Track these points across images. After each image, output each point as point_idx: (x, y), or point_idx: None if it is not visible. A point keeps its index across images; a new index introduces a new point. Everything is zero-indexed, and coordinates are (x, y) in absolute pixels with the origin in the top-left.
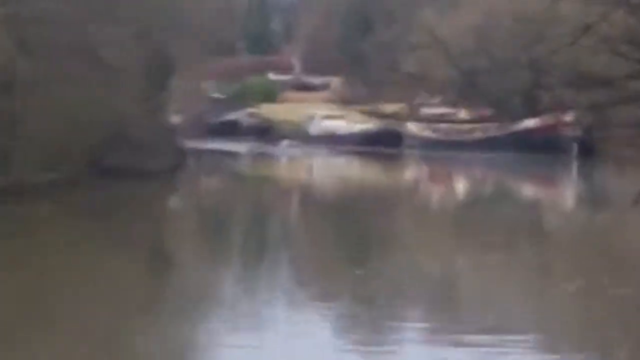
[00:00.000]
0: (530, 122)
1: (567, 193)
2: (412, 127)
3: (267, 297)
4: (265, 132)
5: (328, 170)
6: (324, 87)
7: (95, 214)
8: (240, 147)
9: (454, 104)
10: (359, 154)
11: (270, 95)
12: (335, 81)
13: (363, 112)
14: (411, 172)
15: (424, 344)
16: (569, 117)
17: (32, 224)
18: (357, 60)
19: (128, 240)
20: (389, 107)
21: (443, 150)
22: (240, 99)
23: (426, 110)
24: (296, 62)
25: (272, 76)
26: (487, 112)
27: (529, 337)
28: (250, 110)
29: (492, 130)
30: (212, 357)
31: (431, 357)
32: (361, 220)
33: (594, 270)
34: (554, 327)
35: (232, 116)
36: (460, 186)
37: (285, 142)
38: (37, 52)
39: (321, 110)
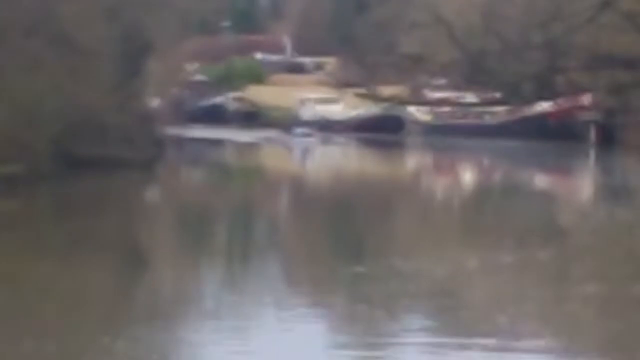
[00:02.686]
0: (543, 106)
1: (584, 186)
2: (413, 112)
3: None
4: (253, 117)
5: (321, 160)
6: (317, 68)
7: (64, 207)
8: (230, 134)
9: (459, 87)
10: (356, 140)
11: (257, 77)
12: (328, 62)
13: (359, 96)
14: (413, 162)
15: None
16: (586, 101)
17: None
18: (352, 39)
19: (89, 241)
20: (388, 90)
21: (448, 136)
22: (225, 82)
23: (429, 94)
24: (286, 42)
25: (259, 57)
26: (497, 95)
27: (541, 341)
28: (235, 94)
29: (502, 115)
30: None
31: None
32: (356, 212)
33: (615, 269)
34: (574, 330)
35: (216, 100)
36: (467, 178)
37: (299, 130)
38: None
39: (314, 93)
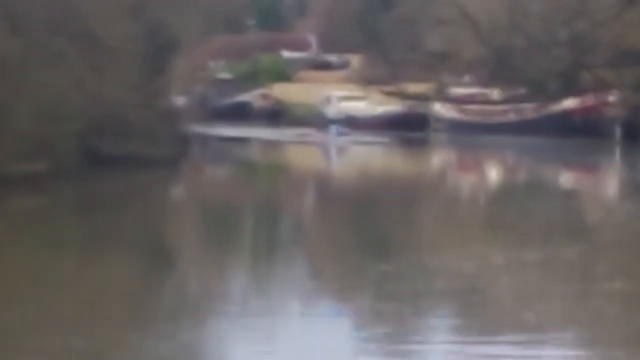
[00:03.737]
0: (569, 103)
1: (609, 182)
2: (439, 109)
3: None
4: (278, 115)
5: (348, 158)
6: (342, 65)
7: (88, 204)
8: (252, 132)
9: (485, 84)
10: (389, 138)
11: (283, 75)
12: (354, 59)
13: (385, 93)
14: (438, 158)
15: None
16: (612, 97)
17: (25, 217)
18: (377, 36)
19: (112, 238)
20: (414, 87)
21: (473, 133)
22: (250, 80)
23: (455, 91)
24: (312, 39)
25: (285, 54)
26: (522, 92)
27: (569, 336)
28: (261, 91)
29: (527, 112)
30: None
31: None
32: (382, 210)
33: (638, 267)
34: (601, 326)
35: (241, 98)
36: (493, 175)
37: (334, 128)
38: (23, 30)
39: (339, 91)
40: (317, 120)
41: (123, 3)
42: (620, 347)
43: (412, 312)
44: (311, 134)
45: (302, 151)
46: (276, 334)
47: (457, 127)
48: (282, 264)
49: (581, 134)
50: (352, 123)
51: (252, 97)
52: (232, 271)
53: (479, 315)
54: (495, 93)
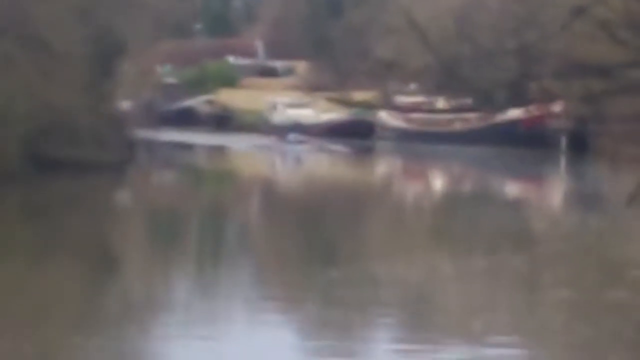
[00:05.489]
0: (514, 113)
1: (554, 192)
2: (385, 117)
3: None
4: (225, 121)
5: (290, 166)
6: (289, 72)
7: (35, 208)
8: (199, 138)
9: (431, 93)
10: (335, 146)
11: (230, 80)
12: (300, 66)
13: (331, 100)
14: (383, 167)
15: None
16: (557, 108)
17: None
18: (324, 44)
19: (56, 243)
20: (360, 95)
21: (419, 142)
22: (197, 85)
23: (400, 99)
24: (258, 45)
25: (232, 60)
26: (468, 102)
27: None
28: (208, 97)
29: (473, 121)
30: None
31: None
32: (327, 221)
33: (586, 275)
34: (546, 334)
35: (188, 103)
36: (437, 183)
37: (292, 136)
38: None
39: (285, 97)
40: (264, 127)
41: (71, 7)
42: (565, 356)
43: (358, 321)
44: (268, 141)
45: (254, 159)
46: (218, 338)
47: (402, 136)
48: (225, 268)
49: (526, 144)
50: (298, 130)
51: (198, 102)
52: (174, 277)
53: (423, 325)
54: (440, 102)
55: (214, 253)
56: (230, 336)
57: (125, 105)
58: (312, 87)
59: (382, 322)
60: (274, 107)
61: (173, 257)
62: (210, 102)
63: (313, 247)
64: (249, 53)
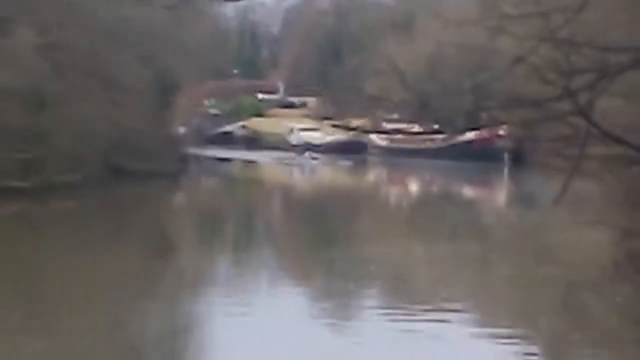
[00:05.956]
0: (470, 135)
1: (499, 194)
2: (374, 138)
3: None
4: (254, 141)
5: (304, 175)
6: (302, 105)
7: (112, 206)
8: (235, 154)
9: (409, 120)
10: (339, 161)
11: (258, 111)
12: (311, 100)
13: (334, 126)
14: (373, 175)
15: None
16: (502, 131)
17: (65, 216)
18: (329, 83)
19: (129, 232)
20: (355, 122)
21: (399, 157)
22: (234, 115)
23: (386, 125)
24: (280, 85)
25: (260, 96)
26: (436, 127)
27: (469, 309)
28: (241, 123)
29: (440, 141)
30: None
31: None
32: (331, 215)
33: (523, 256)
34: (493, 301)
35: (227, 128)
36: (413, 187)
37: (307, 153)
38: (64, 74)
39: (299, 124)
40: (284, 145)
41: (139, 54)
42: (507, 318)
43: (353, 290)
44: (287, 157)
45: (277, 169)
46: (250, 303)
47: (387, 152)
48: (256, 251)
49: (479, 158)
50: (309, 148)
51: (234, 127)
52: (218, 257)
53: (401, 293)
54: (415, 127)
55: (246, 239)
56: (258, 303)
57: (180, 129)
58: (320, 116)
59: (370, 291)
60: (291, 131)
61: (216, 242)
62: (243, 127)
63: (320, 234)
64: (273, 91)
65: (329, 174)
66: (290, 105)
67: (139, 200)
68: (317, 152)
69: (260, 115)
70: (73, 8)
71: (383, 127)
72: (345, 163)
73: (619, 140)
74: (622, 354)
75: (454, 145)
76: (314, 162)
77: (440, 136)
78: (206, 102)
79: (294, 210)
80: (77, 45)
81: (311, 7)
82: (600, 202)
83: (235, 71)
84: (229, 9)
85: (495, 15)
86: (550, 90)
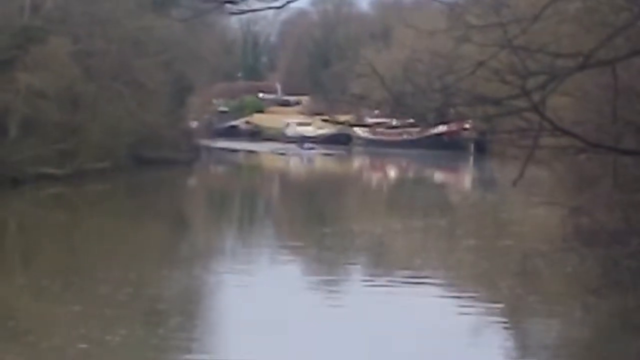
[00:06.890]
0: (440, 128)
1: (466, 178)
2: (358, 131)
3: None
4: (256, 134)
5: (299, 162)
6: (297, 103)
7: (136, 188)
8: (240, 145)
9: (388, 116)
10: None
11: (259, 108)
12: (304, 99)
13: (324, 120)
14: (357, 162)
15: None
16: (467, 125)
17: (96, 197)
18: (319, 84)
19: (152, 209)
20: (342, 117)
21: (380, 147)
22: (238, 111)
23: (368, 120)
24: (278, 86)
25: (260, 95)
26: (411, 121)
27: (440, 274)
28: (245, 119)
29: (415, 134)
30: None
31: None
32: (322, 195)
33: (485, 230)
34: (460, 267)
35: (233, 123)
36: (392, 173)
37: (305, 144)
38: (94, 77)
39: (295, 119)
40: (281, 138)
41: (159, 61)
42: (472, 282)
43: (341, 260)
44: (284, 147)
45: (276, 158)
46: (253, 271)
47: (369, 143)
48: (259, 225)
49: (448, 148)
50: (304, 140)
51: (239, 122)
52: (226, 230)
53: (382, 261)
54: (394, 121)
55: (249, 215)
56: (260, 270)
57: (193, 124)
58: (312, 112)
59: (355, 260)
60: (287, 125)
61: (224, 218)
62: (247, 122)
63: (312, 211)
64: (272, 91)
65: (320, 162)
66: (287, 103)
67: (159, 183)
68: (309, 142)
69: (261, 111)
70: (101, 20)
71: (366, 122)
72: (334, 152)
73: (567, 133)
74: (571, 310)
75: (426, 137)
76: (312, 151)
77: (414, 129)
78: (215, 100)
79: (290, 191)
80: (105, 52)
81: (303, 19)
82: (551, 185)
83: (239, 74)
84: (234, 21)
85: (461, 26)
86: (508, 90)
